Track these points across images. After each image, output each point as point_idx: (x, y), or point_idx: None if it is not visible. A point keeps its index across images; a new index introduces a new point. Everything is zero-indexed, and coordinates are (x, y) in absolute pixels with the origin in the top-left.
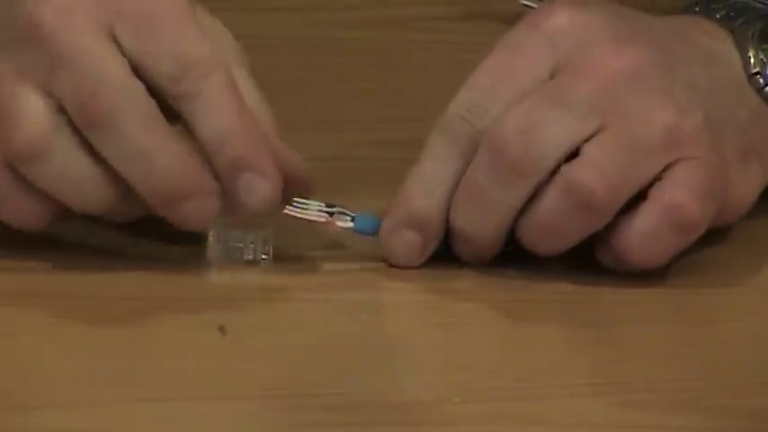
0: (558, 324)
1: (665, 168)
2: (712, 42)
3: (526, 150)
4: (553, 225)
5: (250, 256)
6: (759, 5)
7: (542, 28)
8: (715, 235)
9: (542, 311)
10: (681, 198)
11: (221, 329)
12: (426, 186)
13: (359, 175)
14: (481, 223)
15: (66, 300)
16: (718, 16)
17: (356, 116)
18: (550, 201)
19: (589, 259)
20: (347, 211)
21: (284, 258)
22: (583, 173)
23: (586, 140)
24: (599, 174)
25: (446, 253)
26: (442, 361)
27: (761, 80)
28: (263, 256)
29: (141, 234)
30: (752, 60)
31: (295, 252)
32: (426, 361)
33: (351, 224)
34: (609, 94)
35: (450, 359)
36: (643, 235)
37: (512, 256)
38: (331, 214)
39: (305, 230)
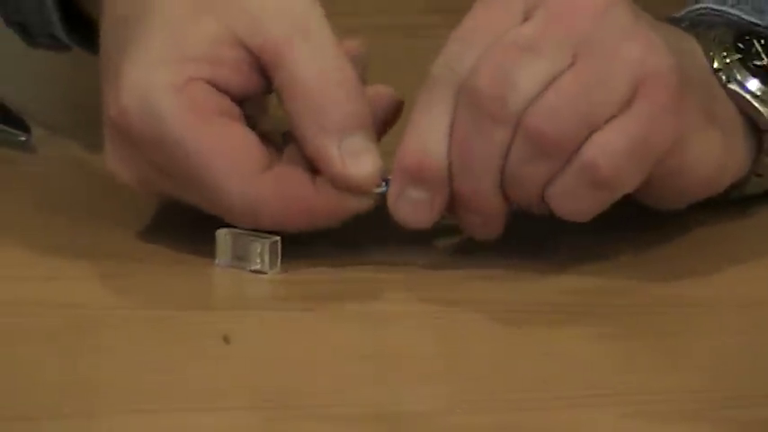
0: (563, 334)
1: (624, 105)
2: (681, 39)
3: (501, 99)
4: (521, 174)
5: (258, 266)
6: (715, 17)
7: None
8: (718, 248)
9: (546, 322)
10: (600, 159)
11: (226, 339)
12: (420, 140)
13: None
14: (475, 178)
15: (68, 309)
16: (683, 26)
17: None
18: (515, 150)
19: (596, 267)
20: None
21: (287, 268)
22: (536, 117)
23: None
24: (551, 117)
25: None
26: (443, 372)
27: (723, 77)
28: (271, 267)
29: (146, 242)
30: (714, 61)
31: (298, 262)
32: (428, 372)
33: (384, 189)
34: (578, 30)
35: (453, 370)
36: (563, 193)
37: (519, 262)
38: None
39: (307, 240)
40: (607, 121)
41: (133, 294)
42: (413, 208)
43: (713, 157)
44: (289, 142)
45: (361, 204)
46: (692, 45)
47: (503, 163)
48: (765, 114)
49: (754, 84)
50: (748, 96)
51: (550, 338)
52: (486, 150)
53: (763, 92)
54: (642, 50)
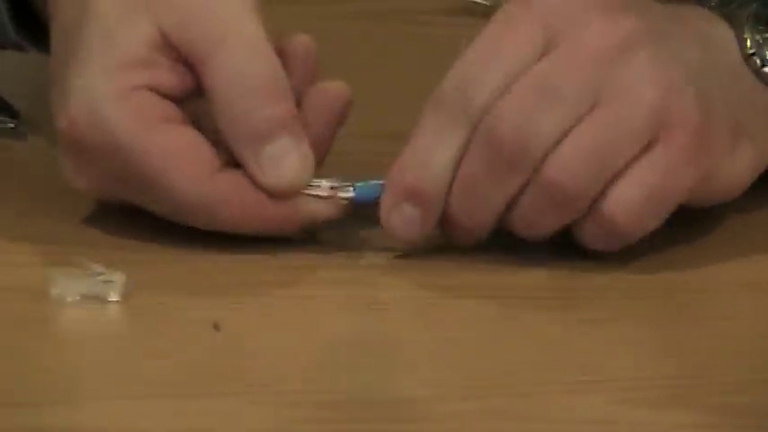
0: (556, 320)
1: (644, 151)
2: (708, 26)
3: (522, 146)
4: (534, 218)
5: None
6: None
7: (534, 2)
8: (712, 233)
9: (540, 308)
10: (617, 216)
11: (216, 326)
12: (421, 160)
13: (358, 168)
14: (476, 214)
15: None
16: (712, 4)
17: (354, 109)
18: (529, 197)
19: (588, 255)
20: (347, 183)
21: (280, 255)
22: (554, 169)
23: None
24: (569, 170)
25: None
26: (439, 357)
27: (758, 61)
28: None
29: (133, 231)
30: (747, 42)
31: (291, 249)
32: (424, 357)
33: (352, 194)
34: (600, 74)
35: (444, 356)
36: (580, 237)
37: (512, 248)
38: (333, 188)
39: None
40: (626, 167)
41: (126, 281)
42: (404, 222)
43: (743, 173)
44: None
45: (321, 211)
46: (720, 30)
47: (508, 202)
48: None
49: None
50: None
51: (543, 324)
52: (495, 192)
53: None
54: (663, 94)
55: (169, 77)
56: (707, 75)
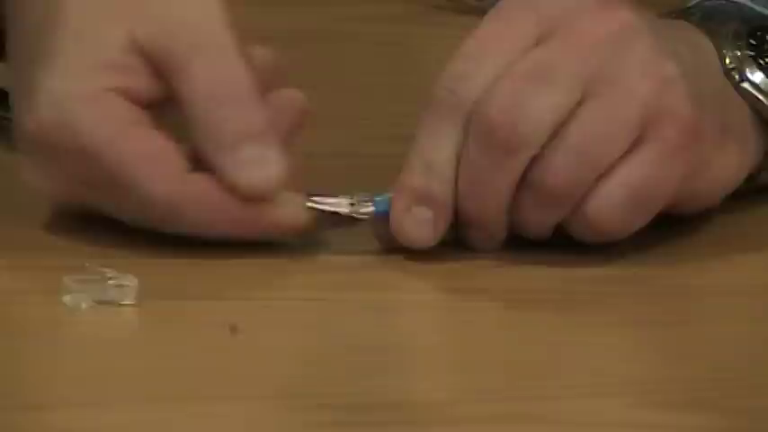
0: (570, 325)
1: (633, 146)
2: (694, 36)
3: (513, 129)
4: (523, 217)
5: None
6: (730, 7)
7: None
8: (726, 236)
9: (554, 311)
10: (601, 214)
11: (233, 329)
12: (425, 162)
13: (371, 171)
14: (483, 204)
15: None
16: (694, 19)
17: (368, 112)
18: (519, 195)
19: (603, 255)
20: (367, 197)
21: (296, 258)
22: (542, 172)
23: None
24: (556, 171)
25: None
26: (454, 361)
27: (736, 76)
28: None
29: (150, 234)
30: (726, 59)
31: (308, 252)
32: (439, 361)
33: (371, 208)
34: (593, 63)
35: (463, 359)
36: (571, 232)
37: (525, 251)
38: (352, 204)
39: (318, 229)
40: (613, 165)
41: (140, 286)
42: (416, 226)
43: (730, 173)
44: None
45: (288, 217)
46: (704, 42)
47: (513, 188)
48: None
49: (758, 77)
50: (761, 96)
51: (557, 327)
52: (498, 178)
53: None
54: (657, 86)
55: (139, 83)
56: (698, 73)
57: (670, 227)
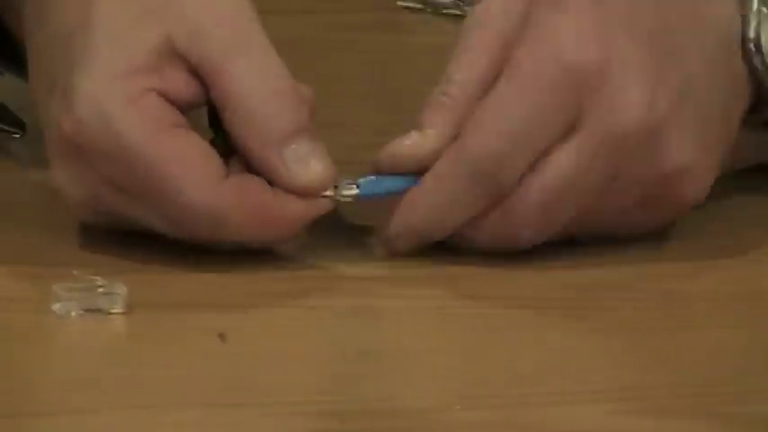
0: (558, 331)
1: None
2: (714, 8)
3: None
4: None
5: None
6: None
7: (569, 67)
8: (714, 243)
9: (543, 318)
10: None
11: (221, 337)
12: (439, 218)
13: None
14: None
15: None
16: None
17: (358, 119)
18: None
19: (593, 262)
20: (350, 181)
21: (286, 265)
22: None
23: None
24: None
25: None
26: (442, 368)
27: (752, 46)
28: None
29: (139, 242)
30: (751, 21)
31: (295, 259)
32: (426, 368)
33: (356, 191)
34: (620, 167)
35: (450, 366)
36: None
37: (512, 257)
38: (336, 186)
39: (305, 235)
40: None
41: (130, 294)
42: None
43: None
44: (230, 153)
45: (319, 208)
46: (721, 10)
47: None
48: None
49: None
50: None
51: (544, 333)
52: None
53: None
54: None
55: (176, 85)
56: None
57: (659, 233)
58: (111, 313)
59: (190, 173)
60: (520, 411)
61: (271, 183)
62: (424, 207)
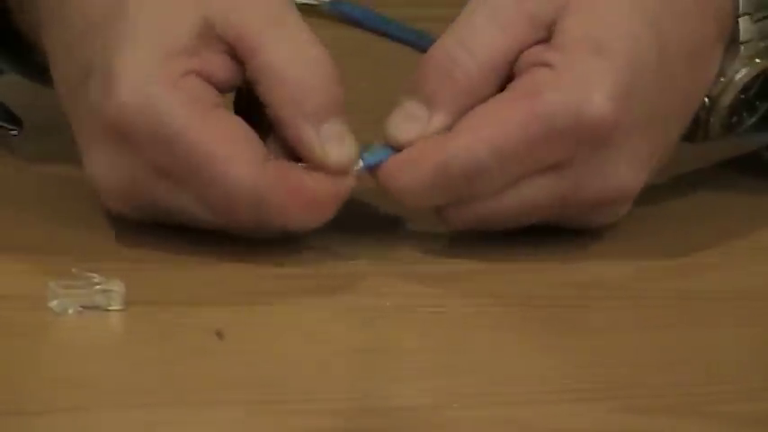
0: (559, 329)
1: None
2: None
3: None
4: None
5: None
6: None
7: (583, 123)
8: (719, 241)
9: (540, 315)
10: None
11: (219, 334)
12: (409, 197)
13: None
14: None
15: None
16: None
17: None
18: None
19: (590, 261)
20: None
21: (283, 263)
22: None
23: None
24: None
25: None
26: (440, 366)
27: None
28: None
29: (137, 239)
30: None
31: (294, 257)
32: (424, 366)
33: (361, 164)
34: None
35: (446, 364)
36: None
37: (511, 255)
38: None
39: (303, 234)
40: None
41: (127, 291)
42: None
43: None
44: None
45: (350, 185)
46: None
47: None
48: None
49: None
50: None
51: (544, 332)
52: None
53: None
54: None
55: (216, 66)
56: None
57: (656, 231)
58: (108, 310)
59: (235, 153)
60: (520, 409)
61: (302, 158)
62: (399, 182)
